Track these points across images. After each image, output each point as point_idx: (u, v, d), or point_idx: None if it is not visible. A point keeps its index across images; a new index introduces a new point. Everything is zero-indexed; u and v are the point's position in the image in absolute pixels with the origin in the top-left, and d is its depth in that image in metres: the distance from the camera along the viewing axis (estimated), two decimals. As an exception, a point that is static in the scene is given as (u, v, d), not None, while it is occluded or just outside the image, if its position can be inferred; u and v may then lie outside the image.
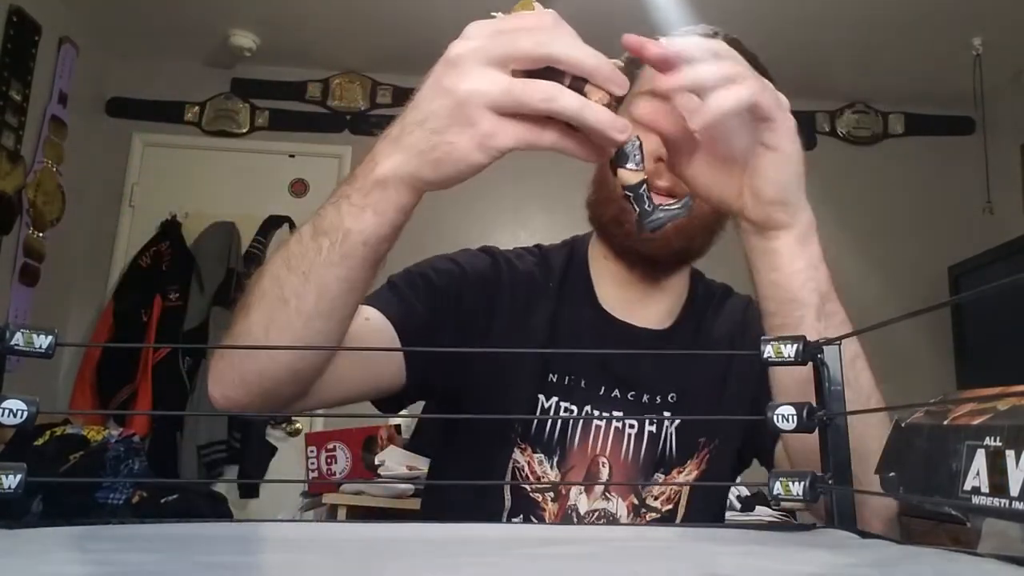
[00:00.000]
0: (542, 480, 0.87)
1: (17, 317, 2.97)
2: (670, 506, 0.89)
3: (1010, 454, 0.45)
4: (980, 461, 0.47)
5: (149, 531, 0.45)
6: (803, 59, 3.40)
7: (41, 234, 3.12)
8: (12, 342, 0.43)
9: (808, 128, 3.78)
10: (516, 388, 0.88)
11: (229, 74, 3.69)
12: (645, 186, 0.55)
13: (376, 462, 2.21)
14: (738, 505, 2.02)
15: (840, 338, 0.50)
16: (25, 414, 0.43)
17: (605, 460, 0.89)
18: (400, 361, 0.83)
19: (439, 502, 1.00)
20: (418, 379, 0.85)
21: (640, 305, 0.95)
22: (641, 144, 0.55)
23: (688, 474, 0.90)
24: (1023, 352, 2.74)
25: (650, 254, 0.91)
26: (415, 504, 1.99)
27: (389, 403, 0.87)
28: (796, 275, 0.64)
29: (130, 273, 3.42)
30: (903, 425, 0.62)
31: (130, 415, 3.24)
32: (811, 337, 0.63)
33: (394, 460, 2.19)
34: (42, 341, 0.44)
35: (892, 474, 0.61)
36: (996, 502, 0.45)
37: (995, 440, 0.47)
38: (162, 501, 2.15)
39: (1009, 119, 3.49)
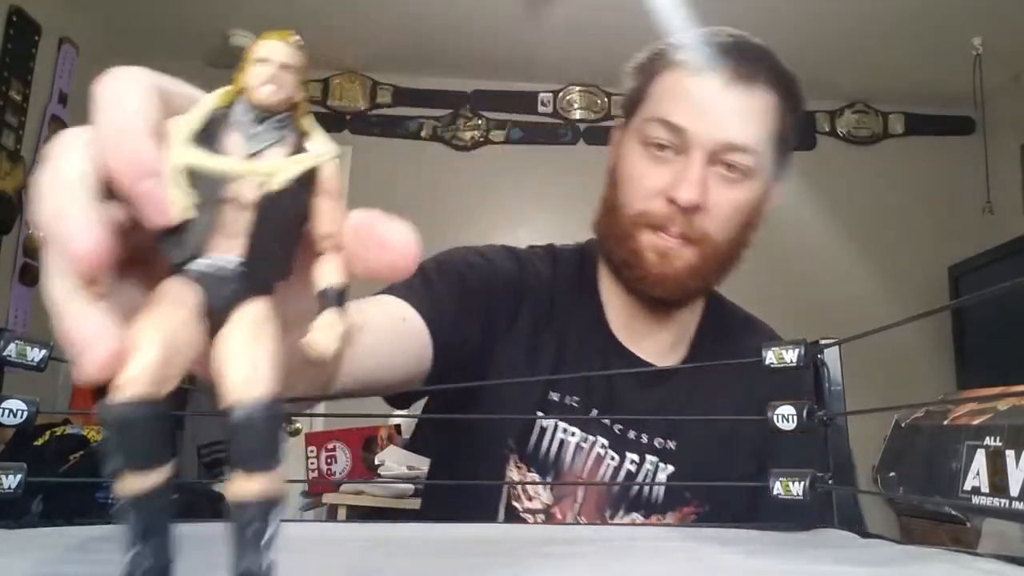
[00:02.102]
0: (532, 500, 0.84)
1: (17, 317, 2.97)
2: None
3: (1010, 454, 0.45)
4: (980, 461, 0.48)
5: (149, 531, 0.45)
6: (803, 59, 3.37)
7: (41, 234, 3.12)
8: (4, 353, 0.43)
9: (808, 128, 3.78)
10: (515, 404, 0.86)
11: (229, 74, 3.66)
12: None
13: (376, 462, 2.22)
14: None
15: (841, 341, 0.50)
16: (25, 414, 0.43)
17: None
18: (428, 347, 0.77)
19: (439, 505, 0.97)
20: (440, 368, 0.79)
21: (647, 333, 0.91)
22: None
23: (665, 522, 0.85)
24: (1023, 352, 2.74)
25: (663, 296, 0.86)
26: (415, 504, 1.99)
27: (398, 397, 0.84)
28: None
29: (130, 273, 3.42)
30: (903, 425, 0.62)
31: (130, 415, 3.23)
32: None
33: (394, 460, 2.19)
34: (35, 354, 0.43)
35: (892, 474, 0.61)
36: (996, 502, 0.45)
37: (995, 440, 0.47)
38: (162, 501, 2.14)
39: (1009, 119, 3.49)
